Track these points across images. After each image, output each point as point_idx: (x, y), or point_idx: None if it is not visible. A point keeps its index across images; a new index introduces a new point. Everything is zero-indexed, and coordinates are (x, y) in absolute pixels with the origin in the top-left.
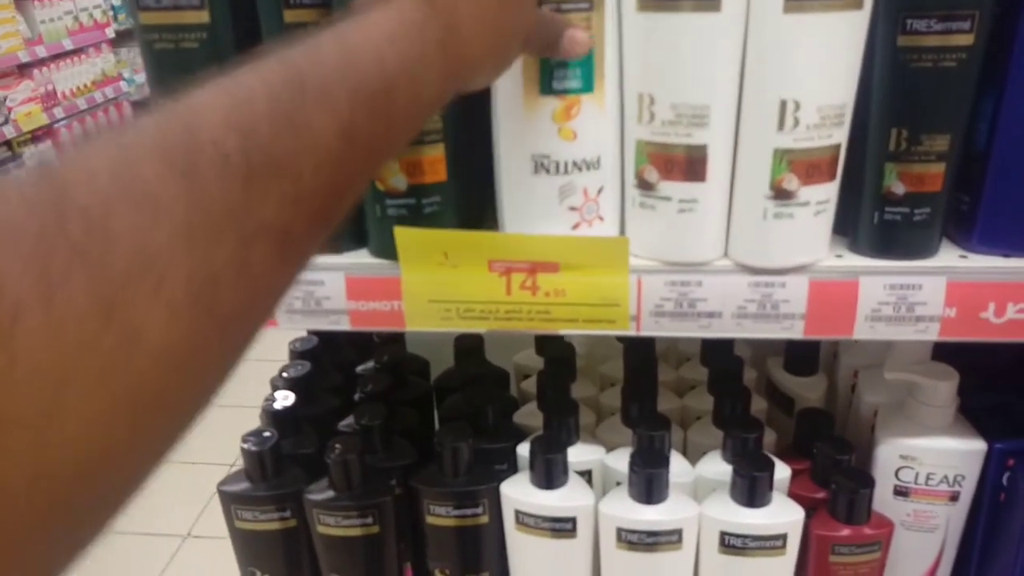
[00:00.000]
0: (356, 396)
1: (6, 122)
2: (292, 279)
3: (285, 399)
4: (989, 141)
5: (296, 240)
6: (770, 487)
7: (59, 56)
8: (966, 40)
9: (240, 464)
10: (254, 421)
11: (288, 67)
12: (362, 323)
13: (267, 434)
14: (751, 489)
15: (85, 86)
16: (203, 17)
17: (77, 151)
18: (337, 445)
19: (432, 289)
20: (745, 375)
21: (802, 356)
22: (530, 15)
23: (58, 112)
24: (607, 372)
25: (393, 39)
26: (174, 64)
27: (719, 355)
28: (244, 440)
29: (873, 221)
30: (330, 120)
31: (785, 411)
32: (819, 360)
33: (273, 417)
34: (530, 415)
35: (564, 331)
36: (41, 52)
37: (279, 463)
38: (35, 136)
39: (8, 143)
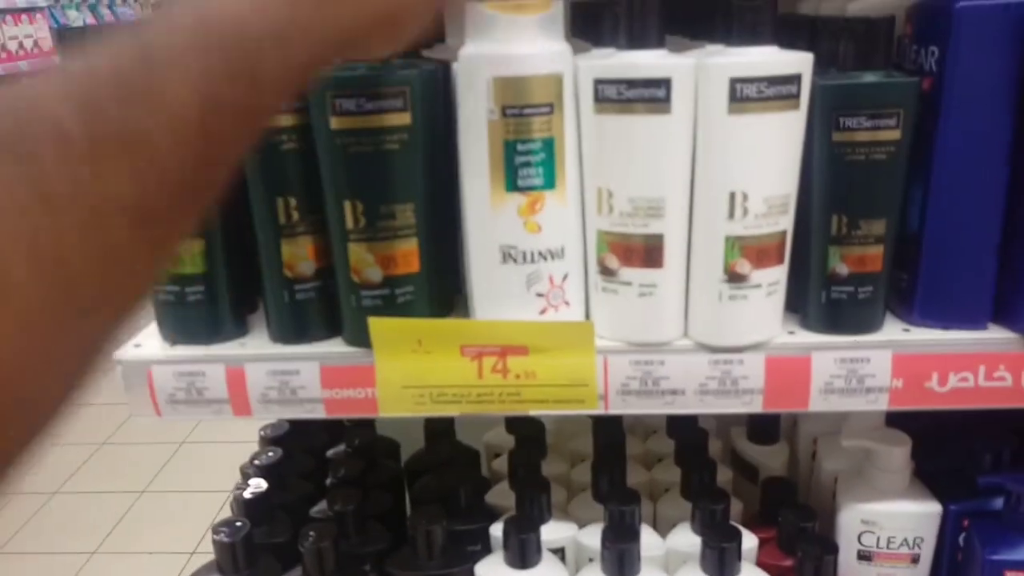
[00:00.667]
0: (328, 481)
1: None
2: (161, 259)
3: (257, 487)
4: (921, 223)
5: (160, 217)
6: (739, 557)
7: None
8: (894, 135)
9: (209, 550)
10: (219, 506)
11: (137, 41)
12: (336, 411)
13: (239, 524)
14: (720, 560)
15: None
16: None
17: None
18: (311, 533)
19: (406, 375)
20: (710, 446)
21: (764, 426)
22: None
23: None
24: (577, 448)
25: (256, 4)
26: None
27: (684, 427)
28: (216, 531)
29: (821, 300)
30: (185, 91)
31: (750, 480)
32: (780, 429)
33: (245, 505)
34: (502, 494)
35: (535, 412)
36: None
37: (252, 553)
38: None
39: None
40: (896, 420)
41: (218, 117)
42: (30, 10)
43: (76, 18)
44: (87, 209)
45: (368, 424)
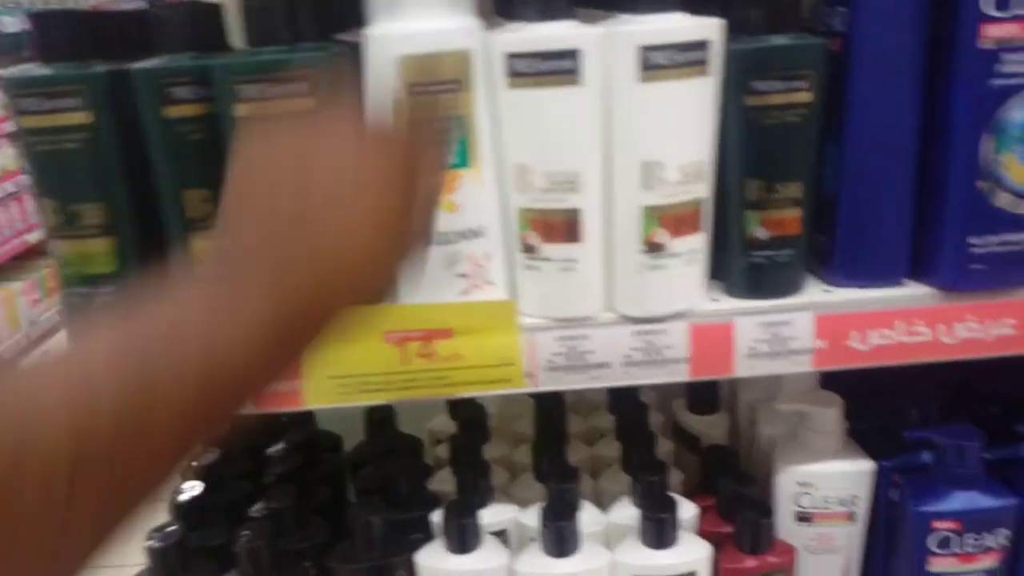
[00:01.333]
0: (267, 479)
1: None
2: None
3: (192, 489)
4: (837, 185)
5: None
6: (676, 527)
7: None
8: (806, 98)
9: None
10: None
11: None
12: (263, 405)
13: (172, 528)
14: (658, 531)
15: None
16: (85, 118)
17: None
18: (245, 533)
19: (330, 366)
20: (652, 419)
21: (703, 396)
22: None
23: None
24: (519, 429)
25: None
26: (57, 166)
27: (624, 402)
28: (148, 537)
29: (742, 265)
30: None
31: (692, 450)
32: (719, 398)
33: (179, 509)
34: (444, 481)
35: (463, 394)
36: None
37: (187, 559)
38: None
39: None
40: (831, 382)
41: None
42: None
43: (11, 24)
44: None
45: (307, 419)
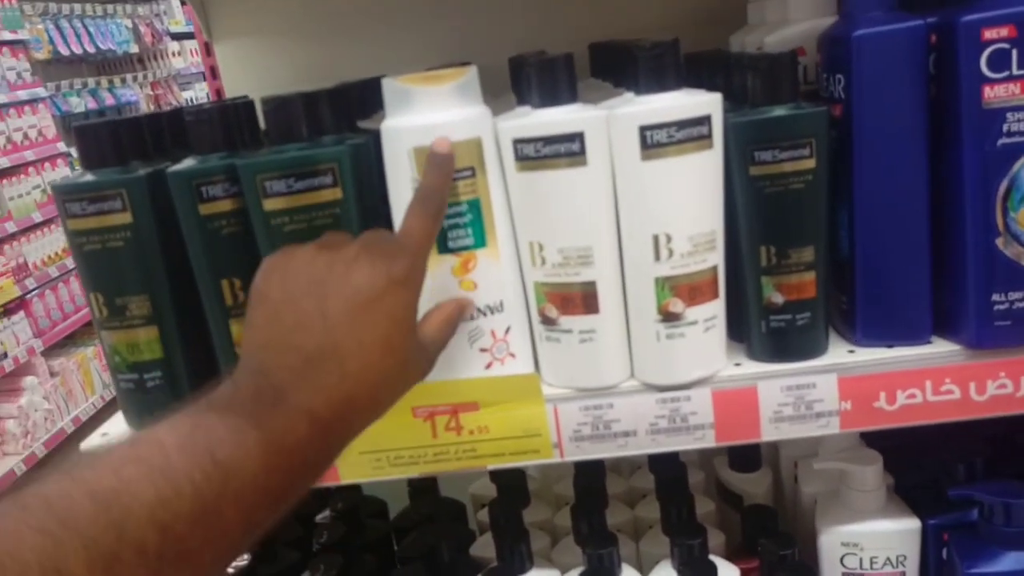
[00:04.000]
0: (314, 547)
1: None
2: None
3: (240, 560)
4: (851, 245)
5: None
6: None
7: (29, 229)
8: (809, 164)
9: None
10: None
11: (215, 466)
12: None
13: None
14: None
15: (56, 254)
16: (126, 218)
17: (13, 532)
18: None
19: (362, 441)
20: (693, 477)
21: (744, 453)
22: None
23: (30, 283)
24: (561, 492)
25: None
26: (103, 263)
27: (663, 462)
28: None
29: (761, 330)
30: (236, 514)
31: (735, 509)
32: (761, 455)
33: None
34: (486, 546)
35: (492, 466)
36: (11, 227)
37: None
38: (7, 309)
39: None
40: (874, 437)
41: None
42: (32, 101)
43: (77, 104)
44: None
45: (354, 486)
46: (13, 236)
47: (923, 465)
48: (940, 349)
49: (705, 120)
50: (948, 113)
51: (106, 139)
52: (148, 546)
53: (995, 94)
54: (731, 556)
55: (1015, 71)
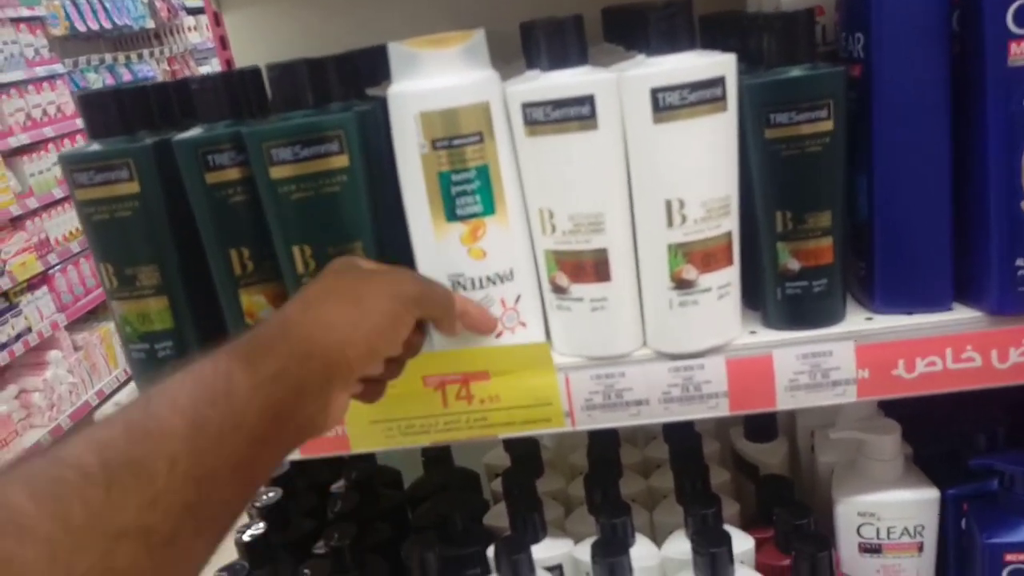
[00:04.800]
0: (329, 516)
1: (1, 274)
2: None
3: (256, 528)
4: (870, 210)
5: (164, 539)
6: (730, 561)
7: (50, 205)
8: (826, 126)
9: None
10: (228, 552)
11: (141, 396)
12: (310, 451)
13: (238, 567)
14: (712, 566)
15: (77, 230)
16: (134, 188)
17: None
18: (306, 571)
19: (372, 410)
20: (708, 447)
21: (760, 423)
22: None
23: (52, 258)
24: (574, 462)
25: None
26: (112, 233)
27: (677, 432)
28: None
29: (777, 297)
30: (177, 418)
31: (751, 479)
32: (777, 425)
33: (245, 548)
34: (500, 516)
35: (503, 435)
36: (32, 203)
37: None
38: (31, 284)
39: (4, 294)
40: (892, 406)
41: (203, 438)
42: (50, 77)
43: (95, 80)
44: (101, 536)
45: (368, 455)
46: (35, 212)
47: (942, 435)
48: (961, 316)
49: (719, 82)
50: (971, 72)
51: (112, 108)
52: (87, 462)
53: (1021, 51)
54: (746, 526)
55: None
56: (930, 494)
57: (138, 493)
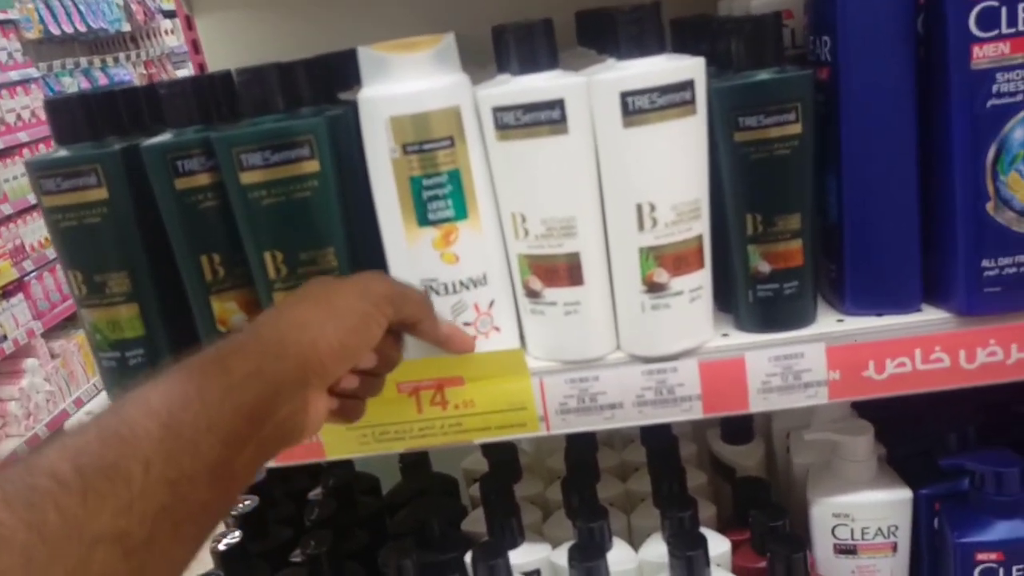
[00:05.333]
0: (307, 524)
1: None
2: None
3: (232, 537)
4: (839, 212)
5: (141, 543)
6: (707, 564)
7: (24, 211)
8: (795, 129)
9: None
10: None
11: (115, 403)
12: (286, 459)
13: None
14: (688, 569)
15: None
16: (102, 194)
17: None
18: None
19: None
20: (685, 450)
21: (737, 425)
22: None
23: (27, 265)
24: (553, 466)
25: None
26: (80, 240)
27: (655, 435)
28: None
29: (748, 300)
30: (150, 421)
31: (728, 481)
32: (753, 427)
33: (220, 557)
34: (478, 521)
35: (478, 440)
36: (7, 210)
37: None
38: (5, 291)
39: None
40: (866, 407)
41: (176, 439)
42: (24, 82)
43: (70, 84)
44: (77, 543)
45: (346, 462)
46: (9, 218)
47: (915, 435)
48: (930, 317)
49: (688, 85)
50: (937, 75)
51: (79, 113)
52: (62, 470)
53: (984, 54)
54: (723, 528)
55: (1004, 30)
56: (903, 494)
57: (114, 498)
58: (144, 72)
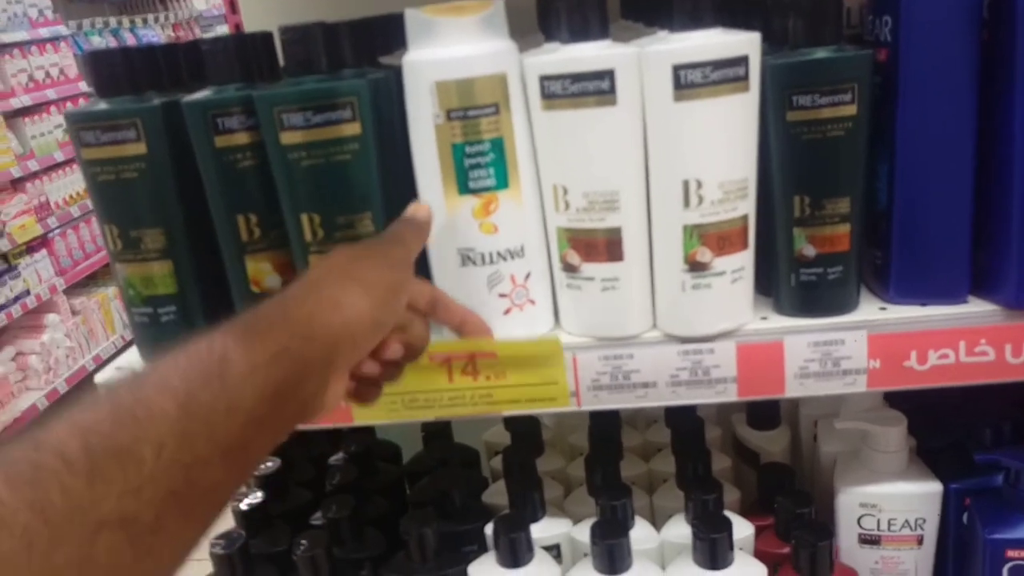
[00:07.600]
0: (327, 488)
1: (1, 236)
2: (156, 569)
3: (254, 497)
4: (890, 199)
5: (148, 527)
6: (730, 547)
7: (51, 168)
8: (850, 111)
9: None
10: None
11: (129, 376)
12: (310, 422)
13: (235, 535)
14: (711, 551)
15: (78, 194)
16: (141, 149)
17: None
18: (303, 541)
19: None
20: (709, 433)
21: (763, 410)
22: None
23: (52, 222)
24: (575, 443)
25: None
26: (117, 194)
27: (680, 416)
28: (212, 544)
29: (791, 283)
30: (167, 401)
31: (752, 466)
32: (780, 413)
33: (242, 516)
34: (498, 494)
35: (508, 412)
36: (33, 166)
37: (249, 564)
38: (30, 247)
39: (4, 256)
40: (898, 397)
41: (192, 421)
42: (54, 39)
43: (99, 43)
44: (80, 527)
45: (367, 429)
46: (35, 175)
47: (947, 427)
48: (976, 309)
49: (742, 61)
50: (1001, 59)
51: (120, 67)
52: (70, 449)
53: None
54: (746, 513)
55: None
56: (933, 487)
57: (122, 481)
58: (172, 35)
